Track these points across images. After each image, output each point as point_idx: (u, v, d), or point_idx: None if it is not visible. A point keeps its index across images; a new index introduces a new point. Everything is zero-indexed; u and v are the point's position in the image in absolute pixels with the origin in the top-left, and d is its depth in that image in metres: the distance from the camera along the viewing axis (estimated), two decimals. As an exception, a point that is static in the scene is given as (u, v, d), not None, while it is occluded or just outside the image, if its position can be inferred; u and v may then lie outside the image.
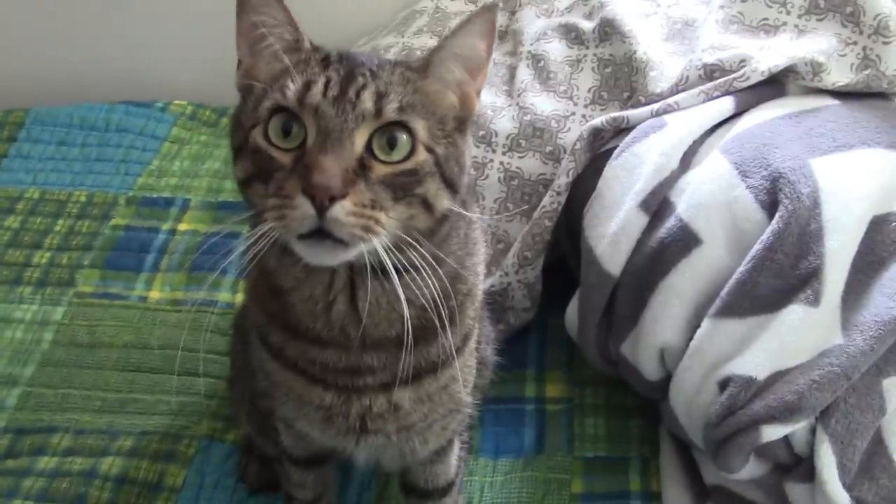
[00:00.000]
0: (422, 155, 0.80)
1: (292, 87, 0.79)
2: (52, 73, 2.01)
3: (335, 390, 0.94)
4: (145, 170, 1.80)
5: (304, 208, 0.75)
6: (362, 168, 0.78)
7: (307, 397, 0.95)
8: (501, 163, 1.40)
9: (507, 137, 1.40)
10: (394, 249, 0.80)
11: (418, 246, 0.81)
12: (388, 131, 0.79)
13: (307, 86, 0.79)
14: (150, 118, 1.89)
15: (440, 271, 0.85)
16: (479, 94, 0.88)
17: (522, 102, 1.42)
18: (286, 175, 0.78)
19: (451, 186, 0.83)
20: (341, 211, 0.75)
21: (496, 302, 1.36)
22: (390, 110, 0.79)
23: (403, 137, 0.79)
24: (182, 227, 1.67)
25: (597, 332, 1.25)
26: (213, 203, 1.72)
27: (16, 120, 1.89)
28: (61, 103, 1.92)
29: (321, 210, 0.75)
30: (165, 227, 1.67)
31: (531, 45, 1.49)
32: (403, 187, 0.79)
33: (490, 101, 1.44)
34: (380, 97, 0.79)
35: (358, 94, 0.78)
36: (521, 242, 1.35)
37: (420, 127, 0.80)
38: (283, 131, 0.80)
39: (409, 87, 0.81)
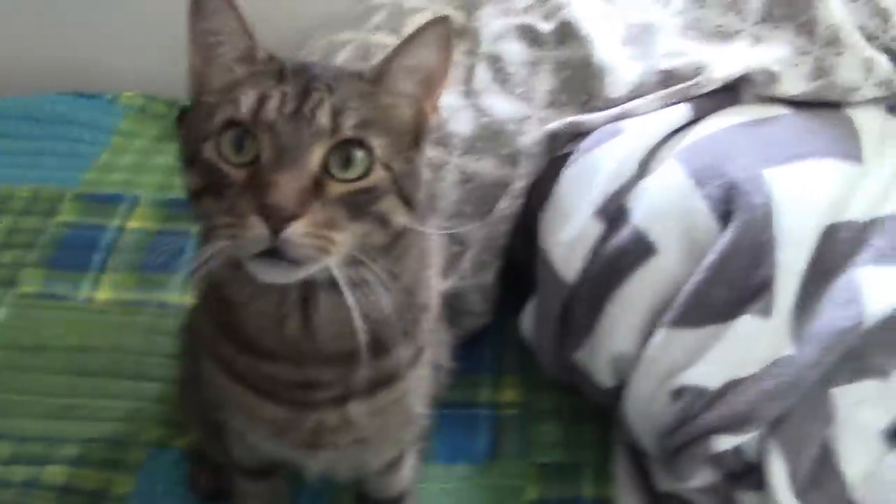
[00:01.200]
0: (379, 173, 0.78)
1: (245, 101, 0.76)
2: (-3, 62, 1.95)
3: (287, 405, 0.92)
4: (93, 164, 1.75)
5: (257, 229, 0.72)
6: (317, 187, 0.75)
7: (258, 411, 0.93)
8: (457, 165, 1.38)
9: (464, 139, 1.39)
10: (347, 266, 0.78)
11: (373, 262, 0.79)
12: (344, 149, 0.76)
13: (262, 100, 0.76)
14: (98, 110, 1.85)
15: (396, 285, 0.84)
16: (436, 109, 0.85)
17: (480, 104, 1.41)
18: (238, 192, 0.75)
19: (408, 203, 0.81)
20: (296, 232, 0.72)
21: (451, 306, 1.35)
22: (347, 127, 0.76)
23: (360, 155, 0.77)
24: (131, 224, 1.63)
25: (552, 339, 1.25)
26: (163, 200, 1.68)
27: (-42, 110, 1.83)
28: (5, 93, 1.86)
29: (276, 231, 0.72)
30: (114, 224, 1.62)
31: (489, 45, 1.47)
32: (360, 205, 0.77)
33: (447, 102, 1.42)
34: (336, 113, 0.76)
35: (314, 111, 0.76)
36: (478, 246, 1.34)
37: (377, 144, 0.78)
38: (235, 146, 0.76)
39: (366, 102, 0.79)
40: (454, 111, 1.41)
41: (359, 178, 0.77)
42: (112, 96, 1.88)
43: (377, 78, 0.81)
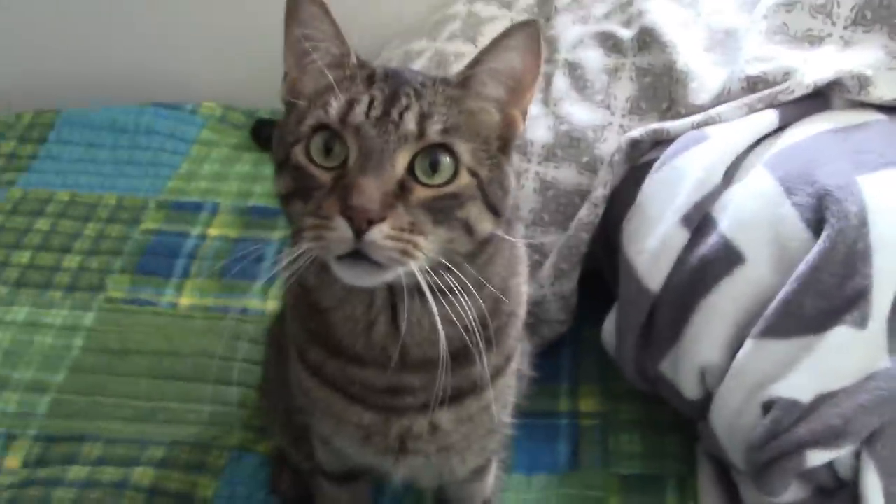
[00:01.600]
0: (465, 178, 0.78)
1: (335, 105, 0.78)
2: (83, 73, 2.01)
3: (374, 410, 0.92)
4: (175, 173, 1.79)
5: (341, 230, 0.74)
6: (403, 190, 0.76)
7: (346, 416, 0.94)
8: (537, 172, 1.38)
9: (543, 147, 1.38)
10: (433, 272, 0.78)
11: (459, 269, 0.79)
12: (430, 153, 0.77)
13: (350, 104, 0.77)
14: (179, 120, 1.89)
15: (482, 293, 0.84)
16: (525, 115, 0.85)
17: (558, 111, 1.40)
18: (325, 194, 0.76)
19: (494, 210, 0.81)
20: (379, 234, 0.73)
21: (531, 314, 1.33)
22: (434, 132, 0.77)
23: (447, 160, 0.77)
24: (212, 231, 1.67)
25: (635, 349, 1.23)
26: (242, 208, 1.71)
27: (46, 121, 1.89)
28: (91, 104, 1.92)
29: (359, 232, 0.73)
30: (195, 231, 1.66)
31: (567, 52, 1.47)
32: (444, 211, 0.77)
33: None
34: (423, 118, 0.77)
35: (401, 115, 0.77)
36: (557, 254, 1.34)
37: (464, 149, 0.78)
38: (324, 149, 0.78)
39: (453, 107, 0.79)
40: (533, 119, 1.41)
41: (444, 184, 0.77)
42: (192, 107, 1.93)
43: (464, 82, 0.81)
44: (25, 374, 1.43)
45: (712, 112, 1.25)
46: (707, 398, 1.17)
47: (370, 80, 0.80)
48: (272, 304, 1.52)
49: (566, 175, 1.37)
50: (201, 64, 2.00)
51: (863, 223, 1.05)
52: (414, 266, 0.76)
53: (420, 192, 0.76)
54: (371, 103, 0.77)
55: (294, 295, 0.94)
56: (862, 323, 1.04)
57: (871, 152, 1.13)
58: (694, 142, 1.22)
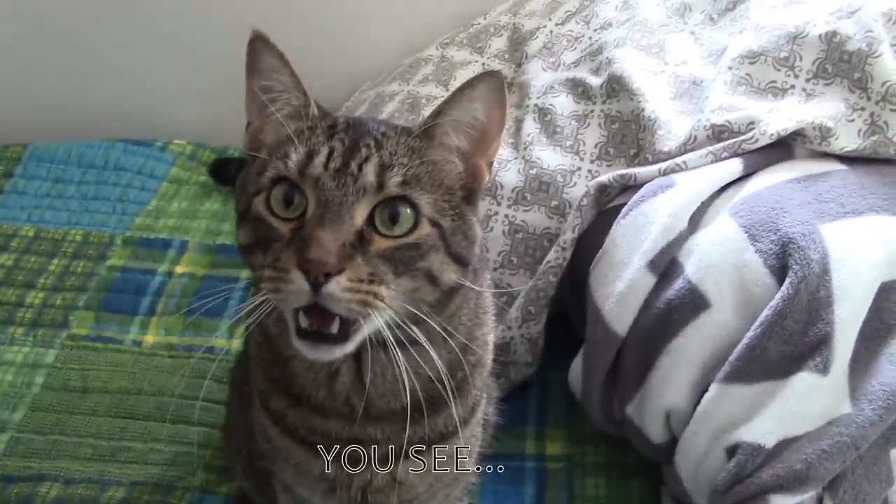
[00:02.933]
0: (425, 229, 0.78)
1: (294, 158, 0.77)
2: (51, 108, 2.00)
3: (337, 462, 0.91)
4: (143, 210, 1.78)
5: (298, 283, 0.73)
6: (361, 241, 0.75)
7: (308, 466, 0.93)
8: (506, 215, 1.39)
9: (513, 190, 1.39)
10: (400, 324, 0.77)
11: (426, 320, 0.78)
12: (390, 205, 0.77)
13: (309, 156, 0.77)
14: (148, 157, 1.89)
15: (449, 343, 0.84)
16: (490, 165, 0.85)
17: (528, 156, 1.42)
18: (284, 246, 0.76)
19: (458, 260, 0.80)
20: (336, 287, 0.73)
21: (497, 356, 1.34)
22: (393, 185, 0.77)
23: (406, 212, 0.77)
24: (179, 269, 1.65)
25: (601, 392, 1.24)
26: (210, 246, 1.71)
27: (13, 155, 1.88)
28: (60, 139, 1.91)
29: (316, 285, 0.73)
30: (162, 269, 1.65)
31: (538, 98, 1.49)
32: (405, 261, 0.77)
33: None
34: (383, 170, 0.77)
35: (360, 167, 0.76)
36: (525, 297, 1.34)
37: (424, 201, 0.78)
38: (284, 201, 0.78)
39: (415, 157, 0.79)
40: (503, 162, 1.42)
41: (405, 234, 0.77)
42: (162, 144, 1.92)
43: (427, 133, 0.81)
44: (-16, 412, 1.40)
45: (678, 159, 1.27)
46: (672, 442, 1.18)
47: (331, 130, 0.80)
48: (237, 344, 1.51)
49: (535, 218, 1.38)
50: (171, 101, 2.00)
51: (825, 271, 1.08)
52: (377, 317, 0.75)
53: (380, 243, 0.76)
54: (330, 155, 0.77)
55: (256, 342, 0.93)
56: (824, 369, 1.06)
57: (832, 201, 1.16)
58: (660, 188, 1.24)
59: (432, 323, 0.79)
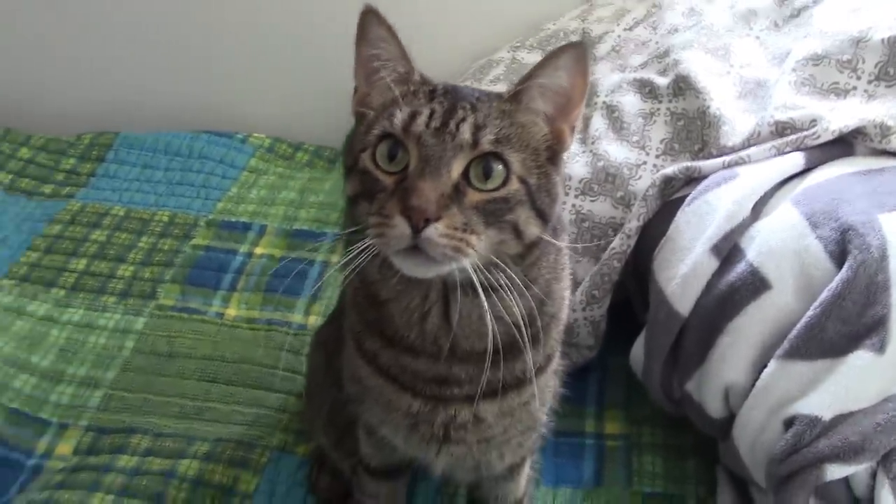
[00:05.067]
0: (514, 185, 0.85)
1: (399, 116, 0.86)
2: (142, 100, 2.13)
3: (423, 399, 0.99)
4: (224, 195, 1.89)
5: (401, 227, 0.81)
6: (457, 193, 0.83)
7: (396, 403, 1.00)
8: (574, 205, 1.46)
9: (581, 181, 1.47)
10: (484, 270, 0.85)
11: (507, 269, 0.86)
12: (484, 161, 0.84)
13: (412, 116, 0.85)
14: (230, 148, 2.00)
15: (528, 293, 0.90)
16: (573, 130, 0.92)
17: (596, 149, 1.49)
18: (387, 196, 0.84)
19: (541, 215, 0.88)
20: (434, 232, 0.81)
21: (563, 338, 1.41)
22: (486, 142, 0.84)
23: (498, 168, 0.85)
24: (258, 250, 1.75)
25: (662, 370, 1.29)
26: (287, 230, 1.80)
27: (105, 142, 2.00)
28: (148, 129, 2.03)
29: (416, 230, 0.81)
30: (243, 249, 1.75)
31: (606, 96, 1.56)
32: (495, 213, 0.84)
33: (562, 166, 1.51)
34: (477, 129, 0.84)
35: (458, 126, 0.84)
36: (590, 281, 1.41)
37: (514, 159, 0.85)
38: (388, 156, 0.86)
39: (505, 119, 0.87)
40: (572, 155, 1.50)
41: (496, 189, 0.85)
42: (243, 137, 2.03)
43: (516, 97, 0.89)
44: (79, 370, 1.51)
45: (742, 153, 1.34)
46: (730, 417, 1.23)
47: (431, 95, 0.89)
48: (314, 319, 1.60)
49: (601, 208, 1.45)
50: (252, 98, 2.11)
51: (883, 256, 1.13)
52: (466, 262, 0.83)
53: (473, 196, 0.84)
54: (431, 115, 0.85)
55: (354, 288, 1.02)
56: (881, 348, 1.11)
57: (891, 194, 1.21)
58: (724, 179, 1.30)
59: (513, 272, 0.86)
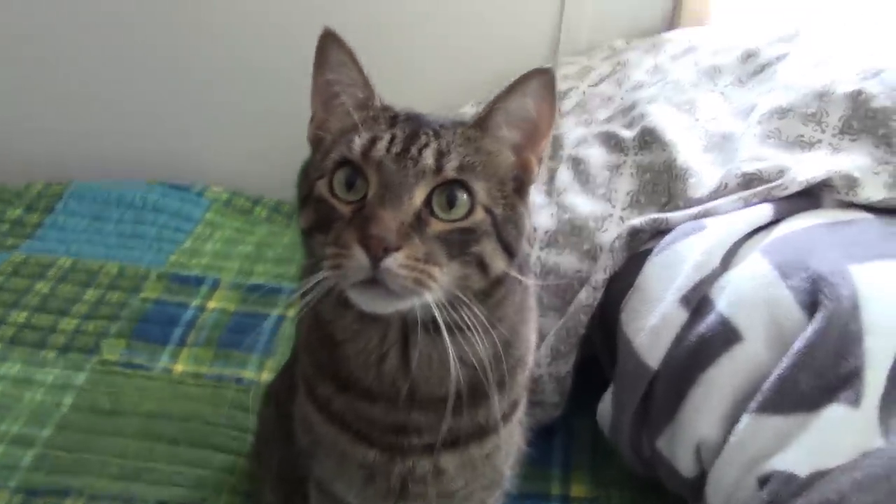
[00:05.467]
0: (480, 214, 0.81)
1: (358, 142, 0.81)
2: (94, 149, 2.07)
3: (379, 448, 0.92)
4: (178, 248, 1.83)
5: (359, 258, 0.76)
6: (419, 223, 0.79)
7: (350, 454, 0.94)
8: (539, 257, 1.42)
9: (546, 233, 1.43)
10: (447, 307, 0.80)
11: (472, 307, 0.81)
12: (447, 189, 0.80)
13: (372, 141, 0.81)
14: (186, 200, 1.94)
15: (493, 334, 0.85)
16: (540, 161, 0.88)
17: (562, 202, 1.46)
18: (345, 225, 0.79)
19: (507, 249, 0.83)
20: (394, 262, 0.76)
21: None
22: (450, 168, 0.80)
23: (463, 196, 0.81)
24: (211, 304, 1.68)
25: (631, 426, 1.24)
26: (242, 284, 1.74)
27: (54, 192, 1.94)
28: (102, 177, 1.97)
29: (376, 260, 0.76)
30: (195, 303, 1.68)
31: (572, 149, 1.55)
32: (459, 245, 0.80)
33: (531, 199, 1.48)
34: (441, 155, 0.80)
35: (420, 152, 0.80)
36: (555, 336, 1.36)
37: (479, 187, 0.81)
38: (346, 184, 0.81)
39: (470, 146, 0.83)
40: (537, 207, 1.47)
41: (460, 219, 0.80)
42: (200, 189, 1.98)
43: (481, 124, 0.85)
44: (12, 428, 1.41)
45: (710, 205, 1.32)
46: (702, 475, 1.17)
47: (393, 120, 0.85)
48: (266, 376, 1.53)
49: (567, 261, 1.41)
50: (211, 150, 2.07)
51: (855, 306, 1.10)
52: (428, 297, 0.78)
53: (436, 226, 0.79)
54: (392, 140, 0.81)
55: (307, 328, 0.96)
56: (856, 402, 1.07)
57: (859, 245, 1.19)
58: (693, 230, 1.28)
59: (478, 310, 0.81)
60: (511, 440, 0.99)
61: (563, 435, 1.46)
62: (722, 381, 1.15)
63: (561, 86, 1.75)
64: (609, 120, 1.60)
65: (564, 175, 1.51)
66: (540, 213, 1.46)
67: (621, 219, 1.43)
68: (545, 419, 1.41)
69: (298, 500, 1.11)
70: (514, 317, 0.92)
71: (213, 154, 2.07)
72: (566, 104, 1.69)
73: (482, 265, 0.82)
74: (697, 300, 1.20)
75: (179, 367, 1.55)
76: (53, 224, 1.87)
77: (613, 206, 1.45)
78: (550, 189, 1.51)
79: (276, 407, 1.15)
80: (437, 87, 1.93)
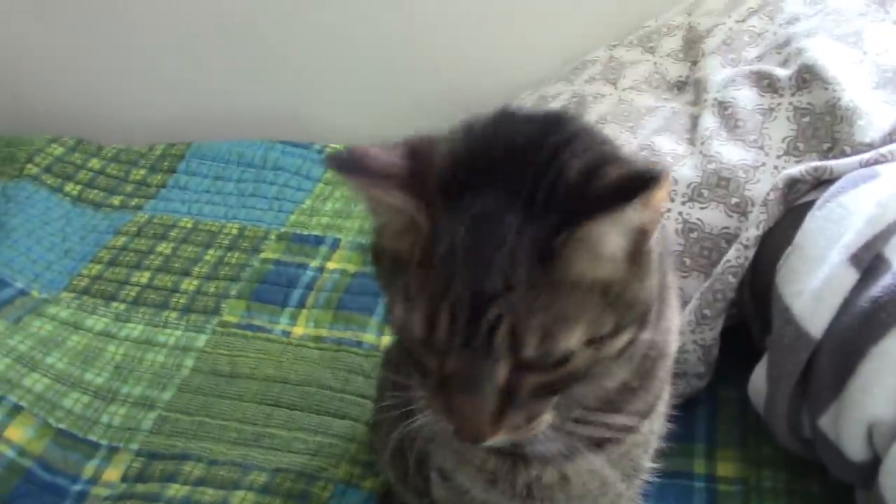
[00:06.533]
0: (582, 355, 0.65)
1: (416, 328, 0.66)
2: (215, 110, 2.05)
3: (497, 455, 0.82)
4: (298, 208, 1.78)
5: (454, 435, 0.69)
6: (509, 392, 0.66)
7: (468, 455, 0.85)
8: (680, 213, 1.28)
9: (688, 186, 1.29)
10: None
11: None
12: None
13: (430, 324, 0.65)
14: (305, 159, 1.89)
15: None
16: (654, 229, 0.66)
17: (706, 150, 1.31)
18: (434, 386, 0.68)
19: (625, 349, 0.69)
20: (492, 440, 0.68)
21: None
22: (531, 347, 0.63)
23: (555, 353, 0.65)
24: (331, 265, 1.63)
25: (789, 403, 1.10)
26: (363, 244, 1.67)
27: (177, 153, 1.93)
28: (221, 138, 1.95)
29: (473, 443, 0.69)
30: (314, 264, 1.63)
31: (717, 92, 1.39)
32: (564, 382, 0.67)
33: (670, 148, 1.34)
34: (516, 336, 0.63)
35: (490, 333, 0.63)
36: (700, 299, 1.23)
37: (575, 331, 0.64)
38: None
39: (552, 294, 0.63)
40: (678, 158, 1.32)
41: (557, 367, 0.66)
42: (319, 147, 1.93)
43: (555, 265, 0.63)
44: (134, 390, 1.40)
45: (883, 149, 1.15)
46: (874, 461, 1.02)
47: (449, 273, 0.64)
48: (387, 340, 1.46)
49: (712, 217, 1.27)
50: (329, 107, 2.02)
51: None
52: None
53: (530, 380, 0.66)
54: (453, 321, 0.64)
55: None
56: None
57: None
58: (863, 179, 1.11)
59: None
60: (651, 435, 0.88)
61: (708, 407, 1.32)
62: (901, 353, 0.99)
63: (704, 22, 1.58)
64: (760, 58, 1.42)
65: (709, 121, 1.36)
66: (681, 163, 1.31)
67: (776, 168, 1.27)
68: (688, 391, 1.27)
69: (415, 480, 1.03)
70: (653, 319, 0.74)
71: (333, 112, 2.01)
72: (710, 43, 1.52)
73: (597, 385, 0.73)
74: (870, 259, 1.04)
75: (299, 330, 1.50)
76: (176, 184, 1.86)
77: (767, 155, 1.29)
78: (693, 137, 1.36)
79: (396, 375, 1.07)
80: (564, 34, 1.80)
